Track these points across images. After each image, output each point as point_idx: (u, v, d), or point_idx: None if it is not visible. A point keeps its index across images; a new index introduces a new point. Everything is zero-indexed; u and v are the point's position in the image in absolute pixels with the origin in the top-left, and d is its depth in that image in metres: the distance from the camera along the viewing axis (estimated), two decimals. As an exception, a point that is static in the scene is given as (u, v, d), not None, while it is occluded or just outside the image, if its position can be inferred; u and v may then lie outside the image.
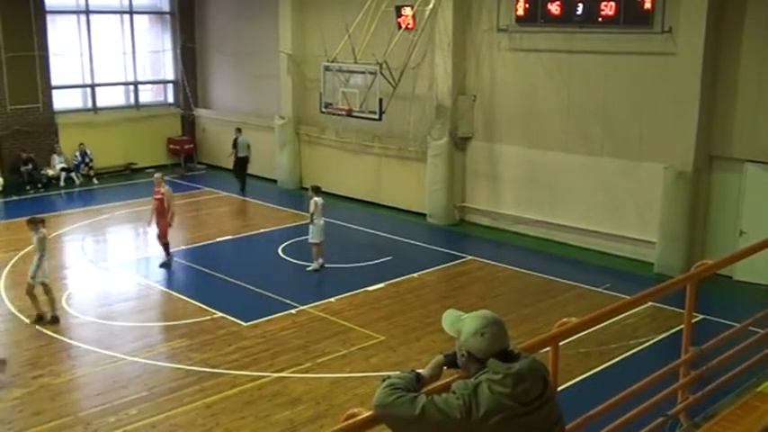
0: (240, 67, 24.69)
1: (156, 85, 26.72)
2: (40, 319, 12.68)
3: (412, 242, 17.72)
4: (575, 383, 10.35)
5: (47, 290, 12.82)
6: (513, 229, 18.16)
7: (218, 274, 15.29)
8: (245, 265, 16.02)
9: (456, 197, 19.17)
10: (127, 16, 25.05)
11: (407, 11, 18.46)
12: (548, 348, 4.41)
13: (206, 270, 15.66)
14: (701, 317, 10.98)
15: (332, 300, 13.89)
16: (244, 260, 16.46)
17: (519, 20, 17.42)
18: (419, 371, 3.46)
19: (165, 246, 15.73)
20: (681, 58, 14.82)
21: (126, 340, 12.32)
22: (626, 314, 11.79)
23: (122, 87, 25.53)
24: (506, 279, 15.32)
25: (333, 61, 18.93)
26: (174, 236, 18.40)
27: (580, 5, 16.29)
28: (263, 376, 10.89)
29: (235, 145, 22.76)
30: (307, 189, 16.79)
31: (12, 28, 22.05)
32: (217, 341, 12.11)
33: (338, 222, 18.37)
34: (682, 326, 5.94)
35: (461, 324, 3.40)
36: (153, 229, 15.96)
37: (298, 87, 22.44)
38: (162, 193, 15.51)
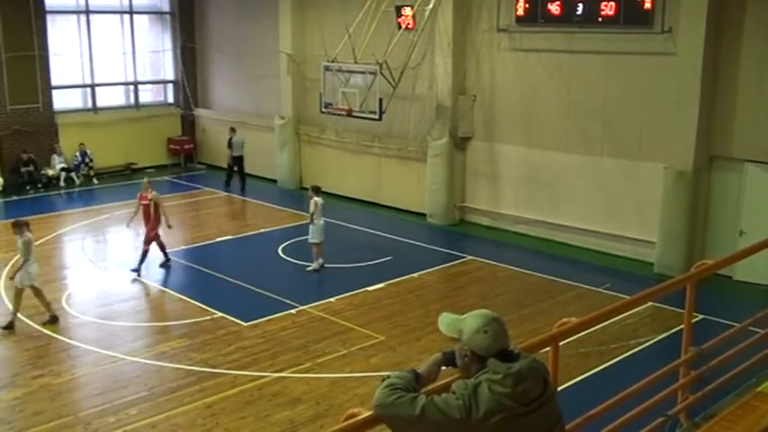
0: (240, 67, 24.69)
1: (156, 85, 26.72)
2: (9, 327, 12.51)
3: (412, 242, 17.72)
4: (575, 383, 10.35)
5: (36, 293, 12.67)
6: (513, 229, 18.16)
7: (218, 274, 15.29)
8: (245, 265, 16.02)
9: (456, 197, 19.17)
10: (127, 16, 25.05)
11: (407, 11, 18.46)
12: (548, 348, 4.41)
13: (206, 270, 15.66)
14: (701, 317, 10.97)
15: (332, 300, 13.89)
16: (244, 260, 16.46)
17: (519, 20, 17.42)
18: (418, 369, 3.46)
19: (161, 248, 15.56)
20: (681, 58, 14.82)
21: (126, 340, 12.33)
22: (626, 314, 11.79)
23: (122, 87, 25.53)
24: (506, 279, 15.32)
25: (333, 61, 18.93)
26: (174, 236, 18.39)
27: (580, 5, 16.28)
28: (263, 376, 10.89)
29: (230, 145, 22.85)
30: (307, 189, 16.78)
31: (12, 28, 22.06)
32: (217, 341, 12.11)
33: (338, 222, 18.38)
34: (682, 326, 5.94)
35: (462, 324, 3.40)
36: (142, 230, 15.87)
37: (298, 87, 22.44)
38: (149, 199, 15.27)
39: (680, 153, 14.98)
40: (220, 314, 13.14)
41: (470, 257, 16.59)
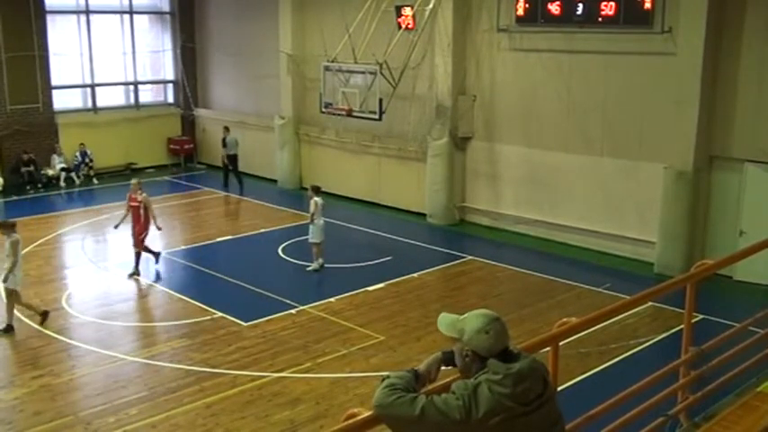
0: (240, 67, 24.69)
1: (156, 85, 26.72)
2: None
3: (412, 242, 17.72)
4: (575, 383, 10.35)
5: (16, 298, 12.46)
6: (513, 229, 18.16)
7: (218, 274, 15.29)
8: (245, 265, 16.02)
9: (456, 197, 19.17)
10: (127, 16, 25.05)
11: (407, 11, 18.46)
12: (548, 348, 4.41)
13: (206, 270, 15.66)
14: (701, 317, 10.97)
15: (332, 300, 13.89)
16: (244, 260, 16.46)
17: (519, 20, 17.42)
18: (417, 368, 3.46)
19: (146, 250, 15.22)
20: (681, 58, 14.82)
21: (126, 340, 12.34)
22: (626, 314, 11.79)
23: (122, 87, 25.53)
24: (506, 279, 15.32)
25: (333, 61, 18.93)
26: (174, 236, 18.44)
27: (580, 5, 16.28)
28: (263, 376, 10.89)
29: (224, 144, 22.96)
30: (307, 189, 16.78)
31: (12, 28, 22.06)
32: (217, 341, 12.10)
33: (338, 222, 18.38)
34: (682, 326, 5.94)
35: (462, 324, 3.39)
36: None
37: (298, 87, 22.44)
38: (139, 201, 14.91)
39: (680, 153, 14.98)
40: (220, 314, 13.14)
41: (470, 257, 16.59)
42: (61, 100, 23.75)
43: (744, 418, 5.70)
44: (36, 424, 9.61)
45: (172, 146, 25.82)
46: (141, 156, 25.09)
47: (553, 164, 17.44)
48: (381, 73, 17.73)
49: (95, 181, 23.42)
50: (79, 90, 24.50)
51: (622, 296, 12.27)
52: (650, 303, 12.31)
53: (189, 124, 26.28)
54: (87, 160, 23.56)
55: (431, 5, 17.80)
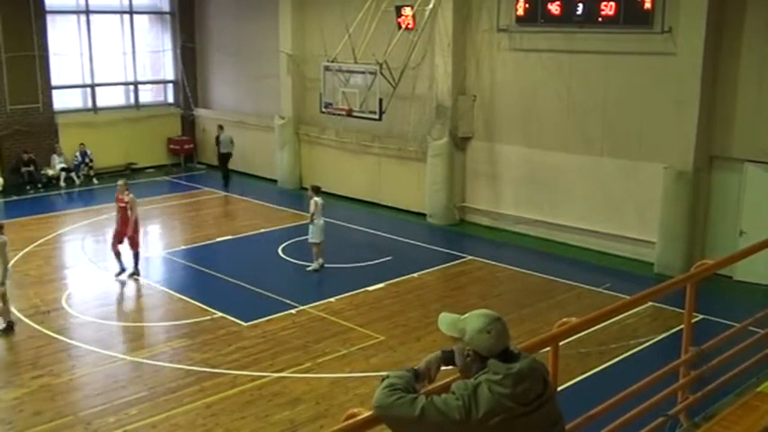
0: (240, 67, 24.69)
1: (156, 85, 26.72)
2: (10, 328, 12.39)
3: (412, 242, 17.72)
4: (575, 383, 10.35)
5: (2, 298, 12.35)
6: (513, 229, 18.16)
7: (218, 274, 15.29)
8: (245, 265, 16.01)
9: (456, 197, 19.17)
10: (127, 16, 25.05)
11: (407, 11, 18.46)
12: (548, 348, 4.41)
13: (206, 270, 15.66)
14: (701, 317, 10.97)
15: (332, 300, 13.89)
16: (244, 260, 16.46)
17: (519, 20, 17.42)
18: (417, 367, 3.46)
19: (117, 255, 14.87)
20: (681, 58, 14.82)
21: (126, 340, 12.34)
22: (626, 314, 11.79)
23: (122, 87, 25.53)
24: (506, 279, 15.32)
25: (333, 61, 18.93)
26: (174, 236, 18.45)
27: (580, 5, 16.29)
28: (263, 376, 10.89)
29: (218, 142, 23.14)
30: (307, 189, 16.78)
31: (12, 28, 22.06)
32: (217, 341, 12.10)
33: (338, 222, 18.37)
34: (682, 326, 5.94)
35: (463, 323, 3.39)
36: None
37: (298, 87, 22.44)
38: (126, 202, 14.72)
39: (680, 153, 14.98)
40: (220, 314, 13.14)
41: (470, 257, 16.59)
42: (61, 100, 23.75)
43: (744, 418, 5.70)
44: (36, 424, 9.61)
45: (172, 146, 25.83)
46: (141, 156, 25.09)
47: (553, 164, 17.44)
48: (381, 73, 17.73)
49: (95, 181, 23.41)
50: (79, 90, 24.51)
51: (622, 296, 12.27)
52: (650, 303, 12.31)
53: (189, 124, 26.29)
54: (87, 160, 23.56)
55: (431, 5, 17.81)
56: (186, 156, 25.95)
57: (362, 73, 18.29)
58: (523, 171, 18.05)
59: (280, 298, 13.86)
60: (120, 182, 15.28)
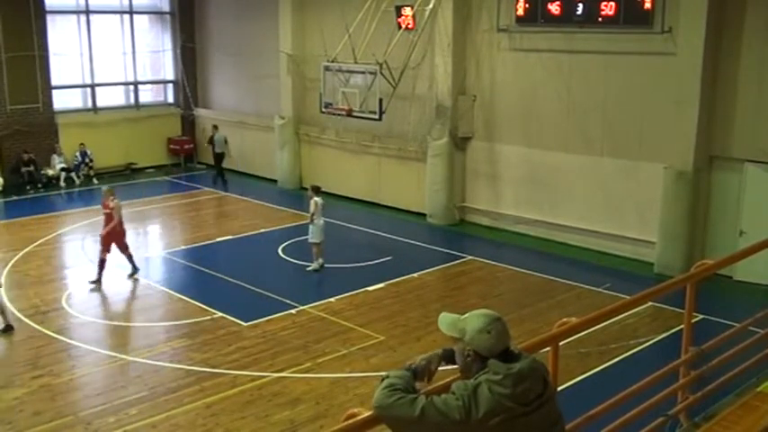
0: (240, 67, 24.69)
1: (156, 85, 26.72)
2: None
3: (412, 242, 17.72)
4: (575, 383, 10.35)
5: None
6: (513, 229, 18.16)
7: (218, 274, 15.29)
8: (245, 265, 16.01)
9: (456, 197, 19.16)
10: (127, 16, 25.05)
11: (407, 11, 18.46)
12: (548, 348, 4.41)
13: (206, 270, 15.66)
14: (701, 317, 10.97)
15: (332, 300, 13.89)
16: (244, 260, 16.45)
17: (519, 20, 17.42)
18: (414, 365, 3.45)
19: (101, 264, 14.67)
20: (681, 58, 14.82)
21: (126, 340, 12.34)
22: (626, 314, 11.79)
23: (122, 87, 25.53)
24: (506, 279, 15.32)
25: (333, 61, 18.93)
26: (174, 236, 18.44)
27: (580, 5, 16.28)
28: (263, 376, 10.88)
29: (211, 141, 23.29)
30: (307, 189, 16.78)
31: (12, 28, 22.06)
32: (217, 341, 12.10)
33: (338, 222, 18.37)
34: (682, 326, 5.93)
35: (464, 323, 3.39)
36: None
37: (298, 87, 22.44)
38: (111, 207, 14.61)
39: (680, 153, 14.98)
40: (220, 314, 13.14)
41: (470, 257, 16.59)
42: (61, 100, 23.75)
43: (744, 418, 5.70)
44: (36, 424, 9.61)
45: (172, 146, 25.83)
46: (141, 156, 25.09)
47: (553, 164, 17.44)
48: (381, 73, 17.73)
49: (95, 181, 23.40)
50: (79, 90, 24.51)
51: (622, 296, 12.27)
52: (650, 303, 12.31)
53: (189, 124, 26.29)
54: (87, 160, 23.56)
55: (431, 5, 17.80)
56: (186, 156, 25.96)
57: (362, 73, 18.29)
58: (523, 171, 18.05)
59: (280, 298, 13.86)
60: (105, 188, 15.39)
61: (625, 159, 16.23)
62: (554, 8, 16.66)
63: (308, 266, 15.50)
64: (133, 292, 14.68)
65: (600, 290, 14.35)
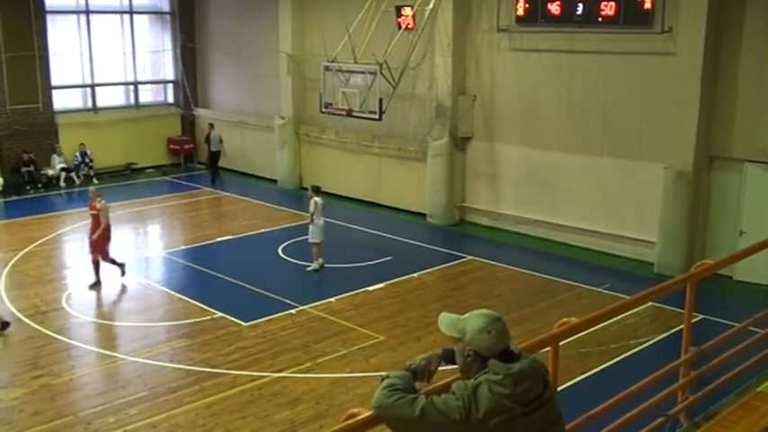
0: (240, 67, 24.69)
1: (156, 85, 26.72)
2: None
3: (412, 242, 17.72)
4: (575, 383, 10.35)
5: None
6: (513, 229, 18.16)
7: (218, 274, 15.29)
8: (245, 265, 16.01)
9: (456, 197, 19.17)
10: (127, 16, 25.05)
11: (407, 11, 18.46)
12: (548, 348, 4.41)
13: (206, 270, 15.66)
14: (701, 317, 10.97)
15: (332, 300, 13.89)
16: (244, 260, 16.45)
17: (519, 20, 17.42)
18: (413, 365, 3.45)
19: (111, 262, 14.56)
20: (681, 58, 14.82)
21: (126, 340, 12.34)
22: (626, 314, 11.79)
23: (122, 87, 25.53)
24: (506, 279, 15.32)
25: (333, 61, 18.93)
26: (174, 236, 18.42)
27: (580, 5, 16.29)
28: (263, 376, 10.89)
29: (207, 140, 23.40)
30: (307, 189, 16.78)
31: (12, 28, 22.06)
32: (217, 341, 12.10)
33: (338, 222, 18.37)
34: (682, 326, 5.93)
35: (464, 323, 3.39)
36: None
37: (298, 87, 22.44)
38: (98, 209, 14.30)
39: (680, 153, 14.98)
40: (220, 314, 13.14)
41: (470, 257, 16.59)
42: (61, 100, 23.75)
43: (744, 418, 5.70)
44: (36, 424, 9.61)
45: (172, 146, 25.83)
46: (141, 156, 25.09)
47: (553, 164, 17.44)
48: (381, 73, 17.73)
49: (95, 181, 23.35)
50: (79, 90, 24.51)
51: (622, 296, 12.27)
52: (650, 303, 12.31)
53: (189, 124, 26.29)
54: (87, 160, 23.56)
55: (431, 5, 17.80)
56: (186, 156, 25.96)
57: (362, 73, 18.30)
58: (523, 171, 18.05)
59: (280, 298, 13.86)
60: (92, 188, 15.30)
61: (625, 159, 16.23)
62: (554, 8, 16.66)
63: (308, 266, 15.49)
64: (133, 292, 14.67)
65: (600, 290, 14.35)
